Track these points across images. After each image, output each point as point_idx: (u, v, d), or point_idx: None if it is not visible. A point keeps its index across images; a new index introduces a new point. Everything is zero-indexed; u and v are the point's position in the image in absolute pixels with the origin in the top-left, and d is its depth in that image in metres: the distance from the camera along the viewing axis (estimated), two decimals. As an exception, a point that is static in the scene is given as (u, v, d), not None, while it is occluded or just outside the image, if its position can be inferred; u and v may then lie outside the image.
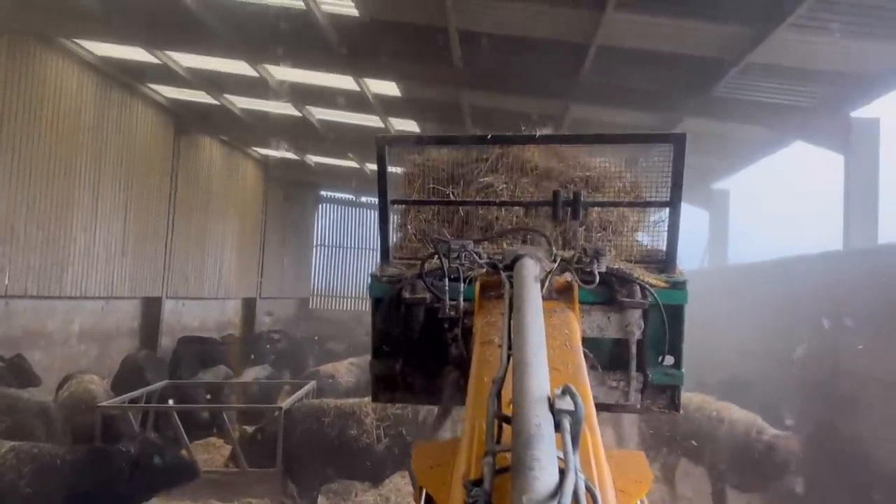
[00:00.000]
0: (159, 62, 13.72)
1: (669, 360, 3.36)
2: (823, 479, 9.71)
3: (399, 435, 8.62)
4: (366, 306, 3.67)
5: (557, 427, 1.37)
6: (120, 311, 16.11)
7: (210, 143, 20.26)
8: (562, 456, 1.30)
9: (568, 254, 3.22)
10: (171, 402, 10.37)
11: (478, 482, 1.41)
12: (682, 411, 3.47)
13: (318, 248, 30.47)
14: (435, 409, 8.69)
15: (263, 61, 13.08)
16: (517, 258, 2.64)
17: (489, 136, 3.89)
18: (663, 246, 3.68)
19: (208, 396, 11.69)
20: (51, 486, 5.96)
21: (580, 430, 1.37)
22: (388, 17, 10.96)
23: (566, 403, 1.39)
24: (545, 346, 1.81)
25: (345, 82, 13.86)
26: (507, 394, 1.62)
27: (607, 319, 3.24)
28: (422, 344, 3.34)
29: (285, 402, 9.20)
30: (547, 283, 2.71)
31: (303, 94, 15.44)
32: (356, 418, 8.65)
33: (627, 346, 3.22)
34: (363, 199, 29.22)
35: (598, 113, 13.84)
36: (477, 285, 2.85)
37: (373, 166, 3.83)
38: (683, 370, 3.35)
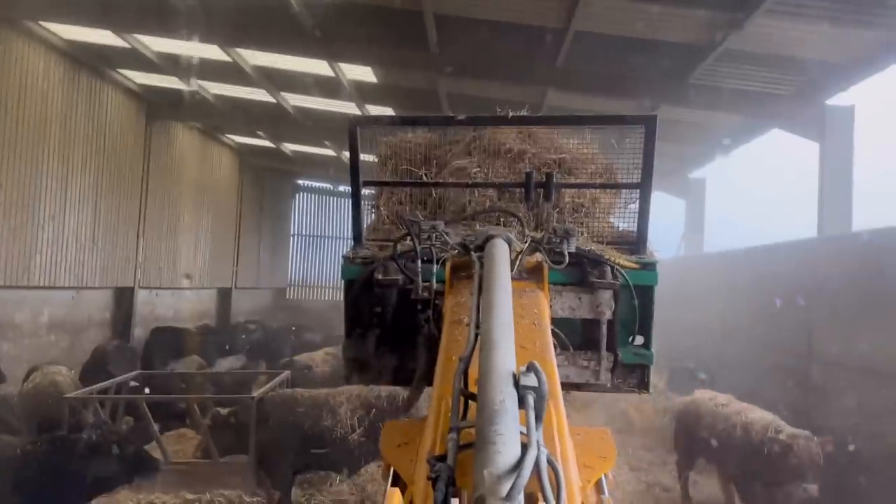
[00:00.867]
0: (129, 46, 13.39)
1: (639, 340, 3.42)
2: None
3: (374, 425, 8.52)
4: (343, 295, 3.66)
5: (522, 403, 1.38)
6: (91, 302, 15.79)
7: (183, 130, 19.89)
8: (525, 431, 1.31)
9: (538, 235, 3.26)
10: (146, 391, 10.19)
11: (442, 458, 1.43)
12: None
13: (296, 237, 30.20)
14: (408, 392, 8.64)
15: (235, 45, 12.80)
16: (488, 238, 2.67)
17: (463, 118, 3.85)
18: (635, 228, 3.72)
19: (183, 386, 11.51)
20: (9, 476, 5.78)
21: (544, 407, 1.38)
22: (362, -1, 10.79)
23: (530, 380, 1.40)
24: (512, 325, 1.82)
25: (320, 67, 13.64)
26: (474, 372, 1.63)
27: (579, 300, 3.26)
28: (394, 325, 3.35)
29: (258, 392, 9.04)
30: (517, 264, 2.79)
31: (277, 80, 15.18)
32: (329, 408, 8.54)
33: (598, 326, 3.25)
34: (341, 187, 28.96)
35: (576, 100, 13.78)
36: (448, 266, 2.87)
37: (349, 154, 3.74)
38: (653, 350, 3.41)
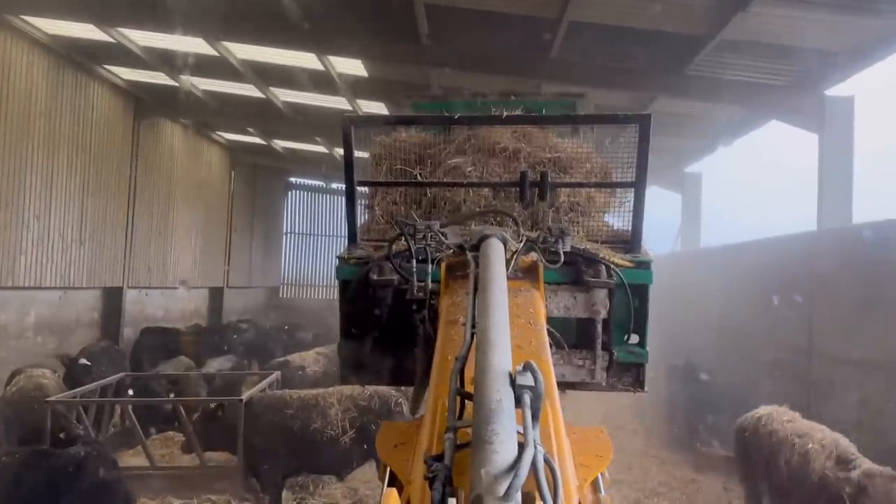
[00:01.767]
0: (114, 41, 13.09)
1: (634, 338, 3.45)
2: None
3: (365, 426, 8.31)
4: (337, 294, 3.65)
5: (518, 402, 1.39)
6: (79, 302, 15.51)
7: (172, 126, 19.60)
8: (521, 430, 1.32)
9: (533, 234, 3.27)
10: (130, 393, 9.95)
11: (438, 457, 1.43)
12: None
13: (288, 235, 29.93)
14: (399, 394, 8.46)
15: (222, 38, 12.52)
16: (483, 238, 2.68)
17: (456, 116, 3.93)
18: (629, 227, 3.75)
19: (172, 392, 11.24)
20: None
21: (540, 405, 1.39)
22: (350, -11, 10.52)
23: (527, 379, 1.41)
24: (508, 324, 1.83)
25: (309, 61, 13.37)
26: (470, 371, 1.65)
27: (574, 299, 3.28)
28: (390, 325, 3.37)
29: (246, 393, 8.80)
30: (512, 263, 2.80)
31: (266, 75, 14.90)
32: (320, 410, 8.32)
33: (593, 325, 3.27)
34: (333, 185, 28.69)
35: (571, 93, 13.53)
36: (443, 266, 2.90)
37: (342, 151, 3.63)
38: (648, 348, 3.45)
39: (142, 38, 13.26)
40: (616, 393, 3.59)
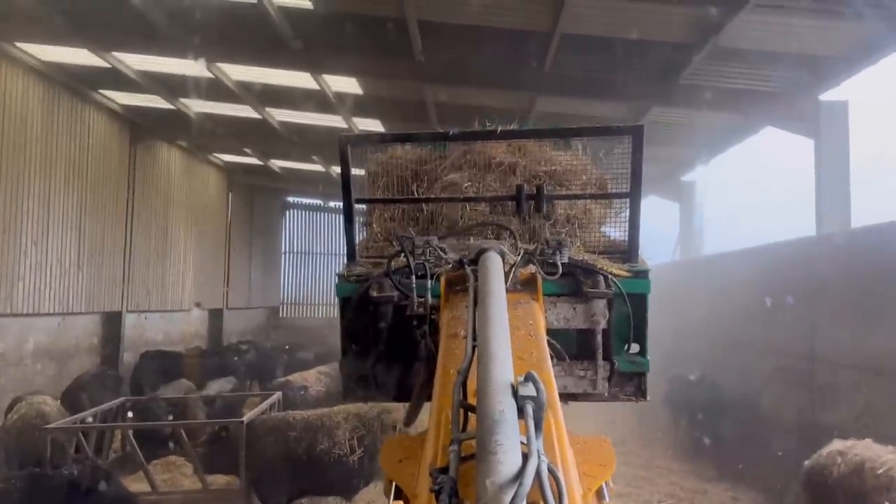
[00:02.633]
0: (109, 66, 13.13)
1: (635, 347, 3.46)
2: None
3: (372, 445, 8.23)
4: (338, 312, 3.67)
5: (521, 413, 1.40)
6: (78, 328, 15.43)
7: (168, 149, 19.63)
8: (525, 441, 1.33)
9: (531, 246, 3.32)
10: (129, 415, 9.86)
11: (444, 470, 1.44)
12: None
13: (287, 255, 29.88)
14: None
15: (217, 60, 12.56)
16: (481, 252, 2.70)
17: (451, 133, 3.88)
18: (626, 237, 3.77)
19: (171, 417, 11.13)
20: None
21: (543, 415, 1.41)
22: (343, 8, 10.56)
23: (529, 390, 1.43)
24: (509, 336, 1.84)
25: (304, 80, 13.42)
26: (472, 384, 1.66)
27: (573, 310, 3.28)
28: (391, 341, 3.37)
29: (247, 416, 8.72)
30: (511, 276, 2.80)
31: (261, 95, 14.94)
32: (326, 430, 8.23)
33: (593, 335, 3.27)
34: (331, 203, 28.70)
35: (565, 105, 13.58)
36: (443, 280, 2.89)
37: (339, 169, 3.66)
38: (649, 357, 3.45)
39: (136, 62, 13.31)
40: (621, 404, 3.57)
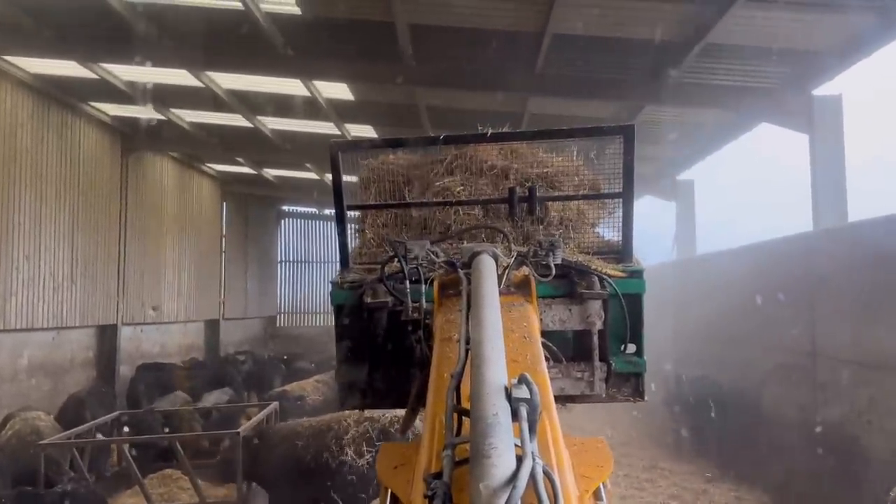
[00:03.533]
0: (97, 77, 13.05)
1: (631, 348, 3.43)
2: (808, 466, 9.45)
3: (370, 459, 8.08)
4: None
5: (515, 416, 1.39)
6: (73, 342, 15.30)
7: (161, 160, 19.52)
8: (519, 443, 1.32)
9: (524, 248, 3.29)
10: (126, 429, 9.74)
11: (438, 475, 1.43)
12: None
13: (283, 264, 29.77)
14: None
15: (206, 68, 12.47)
16: (474, 255, 2.68)
17: (441, 137, 3.92)
18: (620, 237, 3.77)
19: (166, 430, 11.00)
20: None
21: (537, 418, 1.41)
22: (331, 13, 10.47)
23: (522, 392, 1.42)
24: (503, 339, 1.83)
25: (295, 88, 13.34)
26: (466, 388, 1.64)
27: (569, 312, 3.27)
28: (386, 347, 3.36)
29: (244, 427, 8.60)
30: (504, 278, 2.80)
31: (252, 104, 14.86)
32: (334, 435, 8.07)
33: (590, 336, 3.26)
34: (326, 211, 28.63)
35: (558, 106, 13.53)
36: (436, 284, 2.88)
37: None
38: (645, 357, 3.42)
39: (125, 72, 13.22)
40: (622, 405, 3.56)
